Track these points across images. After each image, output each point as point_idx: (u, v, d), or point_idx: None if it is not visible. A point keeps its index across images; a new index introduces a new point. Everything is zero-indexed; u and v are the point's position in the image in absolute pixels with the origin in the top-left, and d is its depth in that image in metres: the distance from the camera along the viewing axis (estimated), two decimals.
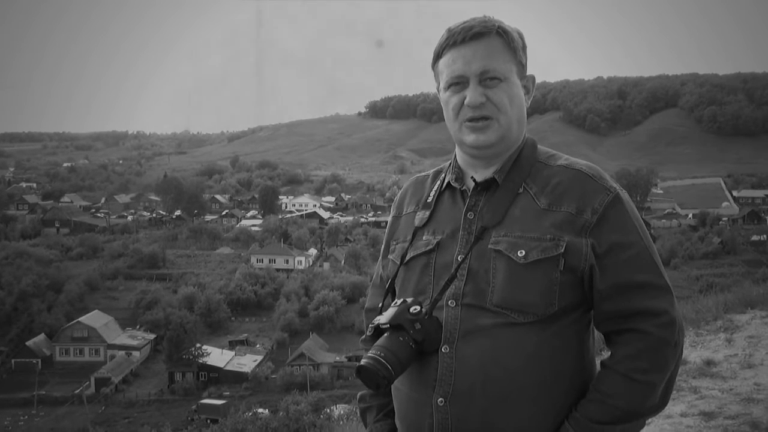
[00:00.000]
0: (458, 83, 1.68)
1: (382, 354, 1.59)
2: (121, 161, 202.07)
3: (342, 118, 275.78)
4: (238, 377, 50.07)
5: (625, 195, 1.67)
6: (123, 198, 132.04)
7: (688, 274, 65.69)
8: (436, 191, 1.83)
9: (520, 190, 1.70)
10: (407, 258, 1.79)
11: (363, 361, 1.60)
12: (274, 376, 49.55)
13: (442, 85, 1.74)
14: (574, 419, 1.59)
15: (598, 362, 1.71)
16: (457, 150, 1.82)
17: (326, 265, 75.83)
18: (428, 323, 1.64)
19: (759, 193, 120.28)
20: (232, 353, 54.04)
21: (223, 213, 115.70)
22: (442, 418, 1.63)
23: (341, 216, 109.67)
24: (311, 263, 77.97)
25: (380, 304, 1.85)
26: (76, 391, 48.83)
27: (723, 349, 5.76)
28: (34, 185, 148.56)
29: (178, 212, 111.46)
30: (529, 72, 1.77)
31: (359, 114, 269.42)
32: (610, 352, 1.65)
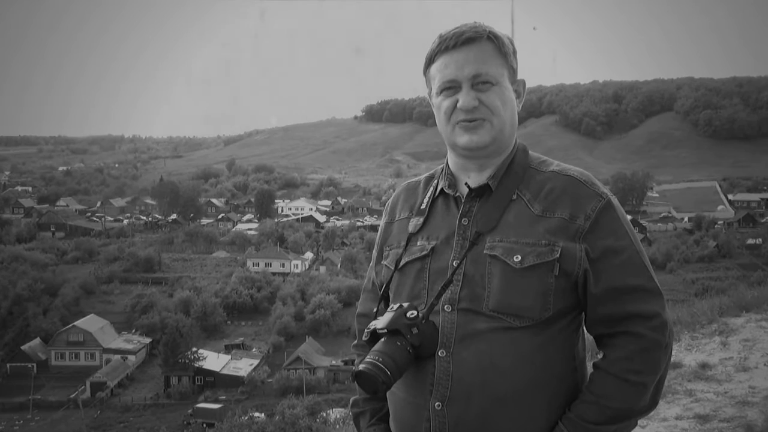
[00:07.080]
0: (450, 87, 1.70)
1: (381, 359, 1.58)
2: (117, 165, 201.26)
3: (338, 121, 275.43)
4: (234, 381, 49.90)
5: (615, 201, 1.70)
6: (119, 202, 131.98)
7: (684, 277, 65.70)
8: (429, 197, 1.84)
9: (514, 197, 1.71)
10: (402, 263, 1.80)
11: (361, 366, 1.59)
12: (270, 380, 49.42)
13: (434, 90, 1.75)
14: (568, 420, 1.61)
15: (589, 365, 1.73)
16: (450, 154, 1.83)
17: (322, 268, 75.68)
18: (425, 328, 1.64)
19: (754, 197, 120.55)
20: (228, 357, 53.86)
21: (219, 217, 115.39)
22: (439, 421, 1.64)
23: (337, 220, 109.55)
24: (307, 267, 77.81)
25: (374, 310, 1.85)
26: (72, 396, 48.64)
27: (718, 353, 5.78)
28: (30, 189, 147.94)
29: (173, 216, 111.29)
30: (523, 77, 1.79)
31: (355, 118, 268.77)
32: (602, 354, 1.67)
